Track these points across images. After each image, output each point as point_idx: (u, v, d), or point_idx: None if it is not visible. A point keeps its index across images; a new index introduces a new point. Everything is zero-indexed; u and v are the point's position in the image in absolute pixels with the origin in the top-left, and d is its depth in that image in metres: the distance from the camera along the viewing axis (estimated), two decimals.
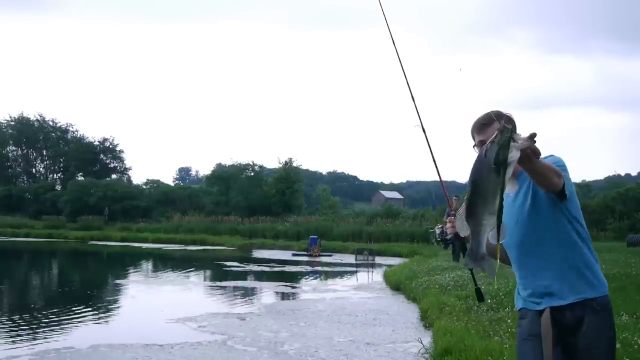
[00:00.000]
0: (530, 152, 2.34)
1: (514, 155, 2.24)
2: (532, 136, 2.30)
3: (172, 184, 71.05)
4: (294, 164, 49.20)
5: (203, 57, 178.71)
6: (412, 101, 3.24)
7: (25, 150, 67.84)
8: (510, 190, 2.34)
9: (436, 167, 3.40)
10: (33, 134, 65.91)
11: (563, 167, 2.84)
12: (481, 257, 2.44)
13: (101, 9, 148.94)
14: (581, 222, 2.92)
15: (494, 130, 2.70)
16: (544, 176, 2.60)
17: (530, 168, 2.49)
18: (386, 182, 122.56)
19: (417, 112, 3.44)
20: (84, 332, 9.34)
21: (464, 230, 2.43)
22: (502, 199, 2.22)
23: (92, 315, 11.05)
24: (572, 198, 2.84)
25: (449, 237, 3.39)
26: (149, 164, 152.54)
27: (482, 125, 3.00)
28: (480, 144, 2.93)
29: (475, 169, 2.36)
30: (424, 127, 3.38)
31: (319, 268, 22.01)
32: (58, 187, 60.29)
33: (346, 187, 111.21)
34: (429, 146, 3.38)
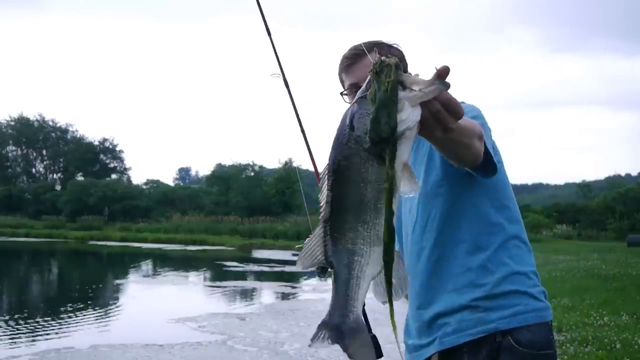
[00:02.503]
0: (440, 109, 1.14)
1: (409, 117, 1.08)
2: (443, 73, 1.10)
3: (172, 184, 71.03)
4: (294, 164, 49.25)
5: (203, 57, 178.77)
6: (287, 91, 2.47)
7: (25, 150, 67.80)
8: (409, 189, 1.10)
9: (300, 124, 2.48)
10: (33, 134, 65.88)
11: (480, 117, 1.70)
12: (351, 329, 1.20)
13: (101, 8, 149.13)
14: (511, 208, 1.82)
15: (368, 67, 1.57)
16: (461, 146, 1.42)
17: (441, 139, 1.26)
18: None
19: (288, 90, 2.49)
20: (84, 332, 9.33)
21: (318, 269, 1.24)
22: (390, 211, 1.09)
23: (92, 315, 11.04)
24: (501, 170, 1.73)
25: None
26: (149, 164, 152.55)
27: (353, 57, 1.90)
28: (351, 91, 1.88)
29: (336, 152, 1.15)
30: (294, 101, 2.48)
31: None
32: (58, 187, 60.27)
33: None
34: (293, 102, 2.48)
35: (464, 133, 1.37)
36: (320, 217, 1.19)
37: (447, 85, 1.10)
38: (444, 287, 1.78)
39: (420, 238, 1.82)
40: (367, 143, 1.09)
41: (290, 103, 2.49)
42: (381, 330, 2.08)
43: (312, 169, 2.49)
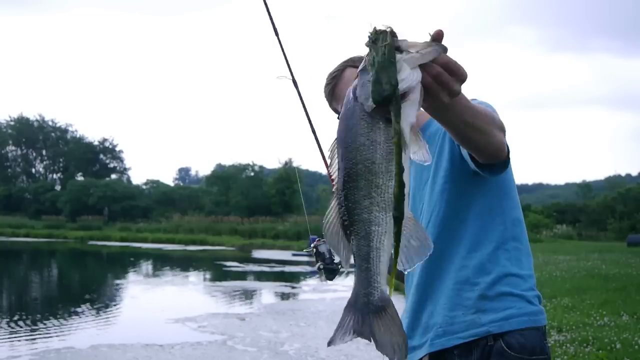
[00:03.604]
0: (441, 71, 1.12)
1: (409, 76, 1.07)
2: (438, 37, 1.11)
3: (172, 184, 71.02)
4: (294, 164, 49.22)
5: (203, 57, 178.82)
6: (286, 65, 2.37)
7: (24, 150, 67.81)
8: (419, 153, 1.09)
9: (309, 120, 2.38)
10: (32, 134, 65.90)
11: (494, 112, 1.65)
12: (378, 308, 1.16)
13: (100, 7, 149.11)
14: (514, 209, 1.80)
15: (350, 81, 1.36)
16: (477, 130, 1.37)
17: (448, 112, 1.27)
18: None
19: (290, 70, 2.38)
20: (84, 332, 9.33)
21: (342, 253, 1.15)
22: (401, 167, 1.07)
23: (92, 315, 11.03)
24: (508, 171, 1.71)
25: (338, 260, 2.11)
26: (148, 164, 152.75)
27: (333, 80, 1.95)
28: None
29: (344, 123, 1.13)
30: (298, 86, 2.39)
31: None
32: (57, 187, 60.28)
33: None
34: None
35: (480, 117, 1.35)
36: (334, 189, 1.17)
37: (444, 48, 1.10)
38: (441, 285, 1.76)
39: None
40: (371, 107, 1.08)
41: (300, 103, 2.41)
42: None
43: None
